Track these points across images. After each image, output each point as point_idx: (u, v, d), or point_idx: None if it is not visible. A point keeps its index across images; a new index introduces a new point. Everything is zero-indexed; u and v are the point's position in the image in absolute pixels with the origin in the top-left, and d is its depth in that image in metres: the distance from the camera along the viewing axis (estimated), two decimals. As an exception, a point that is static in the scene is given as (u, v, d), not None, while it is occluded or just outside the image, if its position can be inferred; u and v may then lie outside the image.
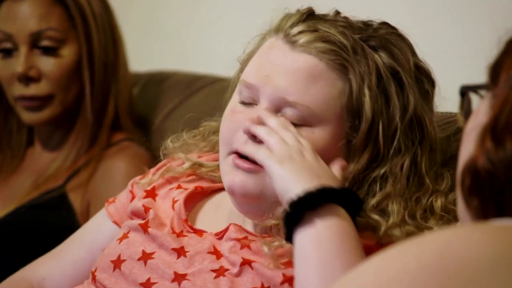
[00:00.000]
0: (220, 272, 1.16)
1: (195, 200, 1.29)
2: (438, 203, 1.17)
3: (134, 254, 1.21)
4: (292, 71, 1.17)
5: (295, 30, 1.19)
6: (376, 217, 1.14)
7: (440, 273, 0.66)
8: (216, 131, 1.31)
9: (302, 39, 1.17)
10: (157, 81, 1.99)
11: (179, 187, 1.30)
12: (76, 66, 1.84)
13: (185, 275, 1.17)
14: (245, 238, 1.20)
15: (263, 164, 1.13)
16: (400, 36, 1.22)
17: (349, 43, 1.17)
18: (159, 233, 1.22)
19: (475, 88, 0.85)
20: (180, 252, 1.20)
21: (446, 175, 1.20)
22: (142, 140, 1.86)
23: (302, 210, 1.07)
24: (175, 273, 1.18)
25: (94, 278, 1.25)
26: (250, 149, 1.15)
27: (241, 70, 1.26)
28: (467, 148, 0.80)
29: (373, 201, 1.16)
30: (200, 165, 1.32)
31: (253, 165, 1.17)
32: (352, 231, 1.08)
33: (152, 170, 1.37)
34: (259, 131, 1.15)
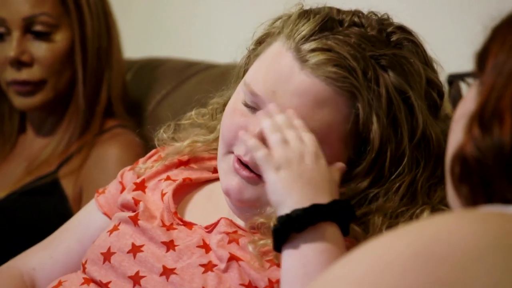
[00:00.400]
0: (208, 267, 1.17)
1: (184, 191, 1.30)
2: (424, 215, 1.17)
3: (123, 247, 1.22)
4: (299, 93, 1.16)
5: (307, 46, 1.16)
6: (356, 228, 1.15)
7: (430, 260, 0.67)
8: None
9: (313, 59, 1.16)
10: (150, 68, 1.99)
11: (167, 178, 1.31)
12: (69, 52, 1.84)
13: (173, 269, 1.18)
14: (235, 232, 1.20)
15: (259, 165, 1.13)
16: (414, 43, 1.21)
17: (360, 67, 1.15)
18: (149, 226, 1.23)
19: (462, 76, 0.86)
20: (169, 245, 1.21)
21: (440, 188, 1.19)
22: (135, 127, 1.86)
23: (289, 230, 1.08)
24: (164, 267, 1.18)
25: (84, 270, 1.25)
26: (251, 144, 1.13)
27: (247, 63, 1.25)
28: (456, 136, 0.81)
29: (357, 212, 1.16)
30: (196, 141, 1.31)
31: (253, 174, 1.18)
32: (340, 250, 1.09)
33: (142, 159, 1.37)
34: (264, 125, 1.15)
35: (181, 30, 2.29)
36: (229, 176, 1.19)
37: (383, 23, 1.21)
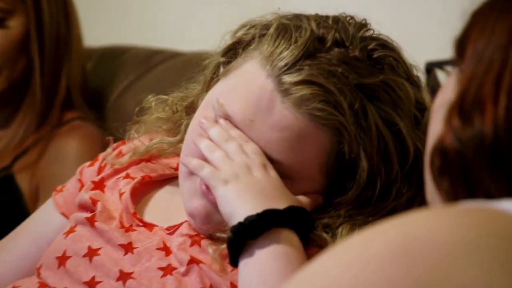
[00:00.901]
0: (167, 270, 1.16)
1: (143, 190, 1.28)
2: None
3: (79, 250, 1.20)
4: (280, 128, 1.13)
5: (290, 78, 1.12)
6: (324, 235, 1.14)
7: (409, 260, 0.66)
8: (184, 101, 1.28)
9: (297, 93, 1.12)
10: (112, 56, 1.98)
11: (127, 176, 1.28)
12: (24, 39, 1.82)
13: (131, 273, 1.16)
14: (197, 235, 1.19)
15: (207, 184, 1.12)
16: (396, 60, 1.18)
17: (347, 101, 1.12)
18: (106, 227, 1.21)
19: (440, 64, 0.85)
20: (127, 248, 1.19)
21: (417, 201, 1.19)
22: (96, 119, 1.85)
23: (244, 239, 1.08)
24: (121, 271, 1.17)
25: (39, 275, 1.23)
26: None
27: (215, 73, 1.21)
28: (435, 127, 0.80)
29: (325, 221, 1.16)
30: (163, 142, 1.29)
31: None
32: (298, 255, 1.08)
33: (102, 154, 1.35)
34: (201, 146, 1.14)
35: (146, 16, 2.28)
36: (195, 199, 1.17)
37: (364, 37, 1.18)
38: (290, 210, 1.10)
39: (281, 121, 1.13)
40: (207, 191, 1.15)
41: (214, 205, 1.14)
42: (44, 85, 1.83)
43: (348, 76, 1.14)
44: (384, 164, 1.16)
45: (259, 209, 1.08)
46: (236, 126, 1.15)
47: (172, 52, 1.93)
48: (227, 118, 1.16)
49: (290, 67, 1.13)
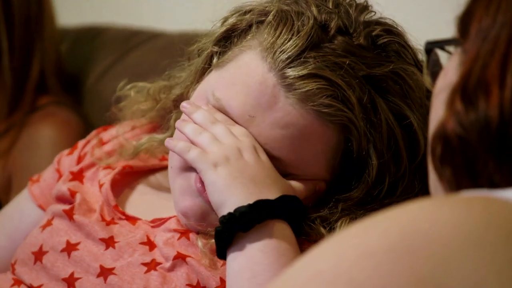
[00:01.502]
0: (151, 266, 1.15)
1: (124, 182, 1.26)
2: None
3: (57, 245, 1.19)
4: (283, 125, 1.11)
5: (294, 72, 1.10)
6: (322, 230, 1.13)
7: (406, 254, 0.66)
8: (165, 92, 1.27)
9: (302, 88, 1.10)
10: (89, 37, 1.96)
11: (107, 166, 1.27)
12: (-10, 19, 1.81)
13: (112, 269, 1.16)
14: (186, 230, 1.17)
15: (195, 167, 1.10)
16: (402, 45, 1.16)
17: (356, 95, 1.11)
18: (86, 220, 1.20)
19: (441, 44, 0.83)
20: (108, 242, 1.18)
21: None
22: (72, 104, 1.83)
23: (233, 231, 1.06)
24: (101, 266, 1.16)
25: (13, 271, 1.22)
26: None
27: (207, 62, 1.19)
28: (437, 112, 0.80)
29: (323, 214, 1.15)
30: (154, 140, 1.27)
31: None
32: (290, 248, 1.07)
33: (81, 142, 1.34)
34: (186, 131, 1.12)
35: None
36: (188, 197, 1.14)
37: (367, 21, 1.16)
38: (282, 199, 1.09)
39: (284, 118, 1.11)
40: (203, 189, 1.13)
41: (210, 203, 1.12)
42: (14, 68, 1.81)
43: (356, 68, 1.12)
44: (394, 161, 1.15)
45: (250, 200, 1.07)
46: (235, 122, 1.13)
47: (153, 32, 1.91)
48: (224, 113, 1.14)
49: (293, 60, 1.11)
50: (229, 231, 1.07)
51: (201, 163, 1.09)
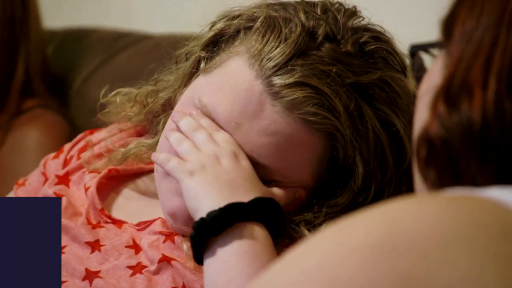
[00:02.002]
0: (137, 269, 1.16)
1: (110, 185, 1.28)
2: None
3: None
4: (269, 133, 1.12)
5: (280, 80, 1.12)
6: (307, 233, 1.14)
7: (390, 252, 0.66)
8: (151, 96, 1.28)
9: (288, 96, 1.11)
10: (75, 39, 1.96)
11: (92, 170, 1.28)
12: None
13: (97, 272, 1.17)
14: (171, 233, 1.19)
15: (173, 177, 1.12)
16: (389, 52, 1.18)
17: (342, 102, 1.12)
18: (71, 224, 1.21)
19: (426, 47, 0.84)
20: (94, 246, 1.19)
21: None
22: (58, 107, 1.84)
23: (206, 236, 1.08)
24: (87, 270, 1.17)
25: None
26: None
27: (194, 67, 1.20)
28: (421, 115, 0.80)
29: (308, 217, 1.16)
30: (142, 145, 1.28)
31: None
32: (265, 251, 1.08)
33: (67, 146, 1.35)
34: (171, 140, 1.15)
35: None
36: (176, 197, 1.16)
37: (355, 28, 1.18)
38: (256, 202, 1.10)
39: (270, 126, 1.13)
40: None
41: None
42: (-1, 71, 1.81)
43: (343, 76, 1.13)
44: (380, 168, 1.16)
45: (222, 204, 1.08)
46: (221, 128, 1.15)
47: (140, 35, 1.92)
48: (211, 119, 1.15)
49: (280, 68, 1.12)
50: (201, 236, 1.08)
51: (178, 172, 1.12)
